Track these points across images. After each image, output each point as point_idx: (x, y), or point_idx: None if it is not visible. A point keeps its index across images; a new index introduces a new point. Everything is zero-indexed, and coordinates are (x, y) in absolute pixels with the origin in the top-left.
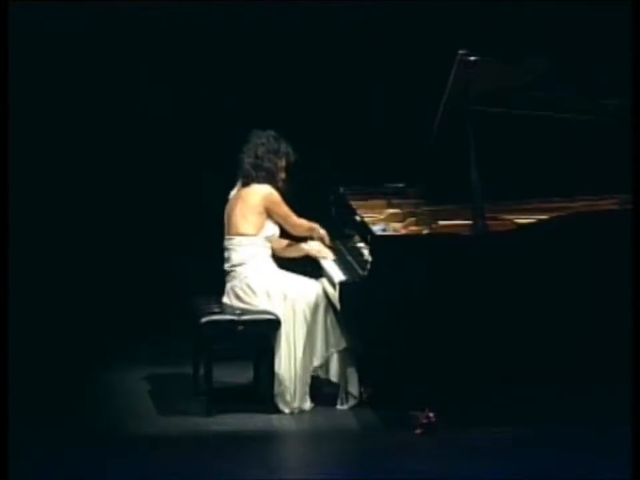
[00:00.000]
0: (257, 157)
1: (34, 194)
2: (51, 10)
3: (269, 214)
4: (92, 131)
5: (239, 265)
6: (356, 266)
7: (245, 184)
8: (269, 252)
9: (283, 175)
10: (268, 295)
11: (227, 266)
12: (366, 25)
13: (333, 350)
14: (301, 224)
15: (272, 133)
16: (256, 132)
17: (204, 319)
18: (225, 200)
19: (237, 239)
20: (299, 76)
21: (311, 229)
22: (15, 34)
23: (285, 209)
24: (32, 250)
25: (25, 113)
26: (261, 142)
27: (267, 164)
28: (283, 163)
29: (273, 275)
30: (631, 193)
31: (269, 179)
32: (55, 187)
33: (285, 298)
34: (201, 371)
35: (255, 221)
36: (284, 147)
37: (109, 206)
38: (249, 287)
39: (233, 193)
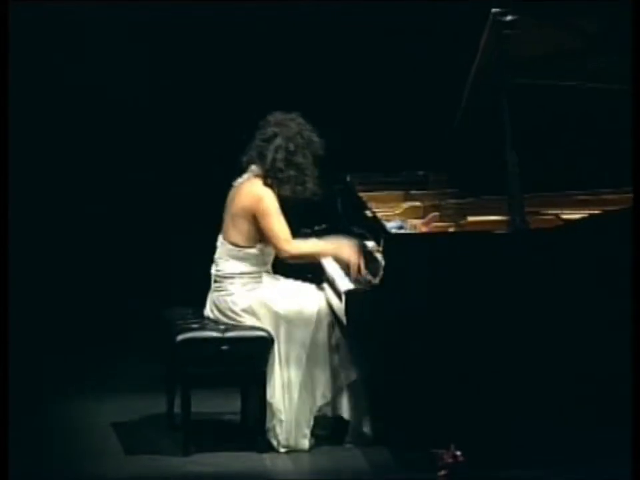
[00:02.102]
0: (289, 151)
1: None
2: (51, 10)
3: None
4: (92, 131)
5: (225, 277)
6: (366, 271)
7: (267, 183)
8: (267, 265)
9: (315, 172)
10: (254, 315)
11: (213, 271)
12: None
13: (341, 385)
14: (289, 250)
15: (300, 119)
16: (281, 116)
17: (180, 337)
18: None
19: (227, 247)
20: (308, 56)
21: (314, 254)
22: (15, 34)
23: (272, 224)
24: None
25: (24, 113)
26: (294, 132)
27: (299, 160)
28: (311, 156)
29: (264, 293)
30: (632, 192)
31: (299, 178)
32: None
33: (277, 315)
34: (177, 401)
35: (245, 230)
36: (314, 136)
37: (80, 207)
38: (230, 306)
39: (240, 180)
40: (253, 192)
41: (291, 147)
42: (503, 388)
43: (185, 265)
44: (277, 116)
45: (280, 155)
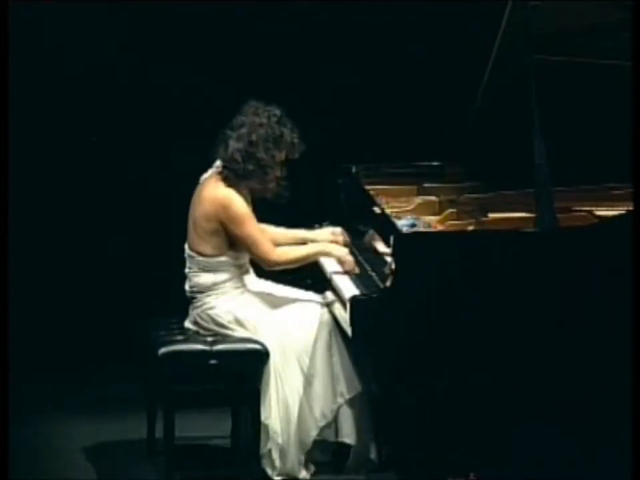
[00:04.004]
0: (250, 143)
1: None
2: (51, 10)
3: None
4: (92, 132)
5: (201, 292)
6: (374, 275)
7: (226, 176)
8: (243, 269)
9: (278, 173)
10: (242, 325)
11: (187, 288)
12: None
13: (341, 400)
14: (273, 259)
15: (276, 111)
16: (254, 105)
17: (162, 350)
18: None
19: (195, 259)
20: (308, 56)
21: (303, 257)
22: (15, 34)
23: (249, 233)
24: None
25: (24, 113)
26: (260, 122)
27: (260, 154)
28: (282, 156)
29: (250, 301)
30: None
31: (258, 175)
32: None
33: (273, 325)
34: (159, 423)
35: (210, 239)
36: (288, 134)
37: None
38: (214, 319)
39: (205, 176)
40: (217, 196)
41: (253, 137)
42: (529, 406)
43: (165, 270)
44: (252, 104)
45: (240, 145)
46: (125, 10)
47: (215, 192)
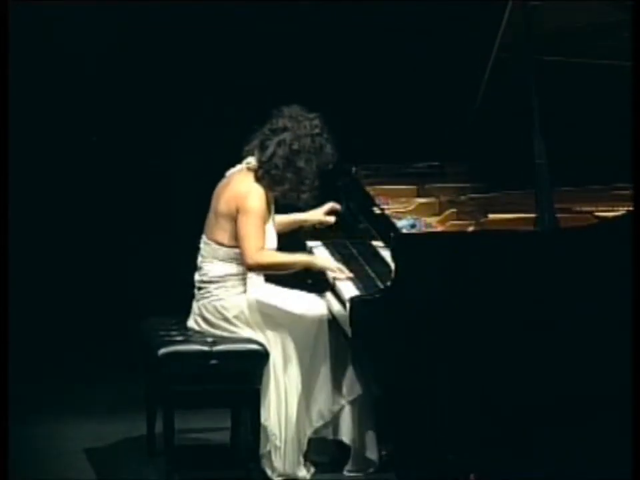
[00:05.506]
0: (292, 151)
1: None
2: (51, 10)
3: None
4: (92, 132)
5: (211, 282)
6: (373, 276)
7: (261, 177)
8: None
9: (315, 182)
10: (247, 323)
11: (197, 277)
12: None
13: (343, 402)
14: (254, 258)
15: (318, 121)
16: (298, 111)
17: (162, 350)
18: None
19: (211, 247)
20: (308, 56)
21: (288, 264)
22: (15, 34)
23: (248, 225)
24: None
25: (24, 113)
26: (305, 133)
27: (301, 163)
28: (316, 165)
29: (257, 299)
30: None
31: (294, 183)
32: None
33: (274, 325)
34: (159, 423)
35: (229, 228)
36: (328, 146)
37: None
38: (220, 312)
39: (233, 170)
40: (241, 187)
41: (296, 146)
42: (529, 407)
43: (165, 268)
44: (293, 110)
45: (281, 152)
46: (125, 10)
47: (242, 182)
